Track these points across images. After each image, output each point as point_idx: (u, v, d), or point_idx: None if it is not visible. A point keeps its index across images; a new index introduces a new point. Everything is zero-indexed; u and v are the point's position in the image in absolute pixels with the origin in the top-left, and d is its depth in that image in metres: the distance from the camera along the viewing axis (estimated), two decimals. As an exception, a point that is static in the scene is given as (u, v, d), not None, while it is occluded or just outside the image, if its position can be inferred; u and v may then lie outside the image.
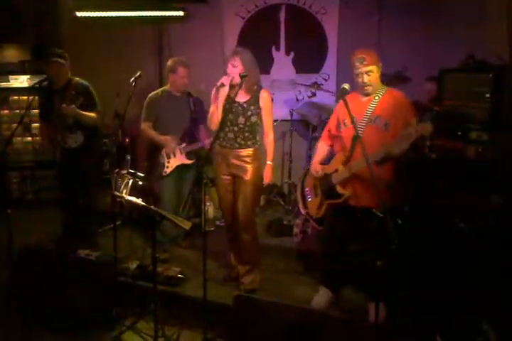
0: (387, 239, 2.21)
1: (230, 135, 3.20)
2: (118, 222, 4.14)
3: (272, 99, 3.29)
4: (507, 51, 3.24)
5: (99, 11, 5.04)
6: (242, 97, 3.14)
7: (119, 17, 5.09)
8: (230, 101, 3.16)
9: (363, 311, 2.93)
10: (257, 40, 5.14)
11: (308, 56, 5.16)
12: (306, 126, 5.05)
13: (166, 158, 3.89)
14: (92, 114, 3.79)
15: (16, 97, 5.30)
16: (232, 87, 3.13)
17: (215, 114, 3.17)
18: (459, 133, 3.15)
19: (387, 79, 4.09)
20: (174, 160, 3.89)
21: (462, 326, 2.61)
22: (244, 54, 3.11)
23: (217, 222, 4.56)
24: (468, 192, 2.99)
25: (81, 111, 3.70)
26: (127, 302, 3.13)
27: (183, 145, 3.88)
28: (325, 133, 3.17)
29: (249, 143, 3.20)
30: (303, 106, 4.96)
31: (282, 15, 5.13)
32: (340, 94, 2.70)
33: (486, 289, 2.66)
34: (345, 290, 3.21)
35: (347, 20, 4.99)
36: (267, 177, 3.24)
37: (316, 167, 3.07)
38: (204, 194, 2.70)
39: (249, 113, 3.16)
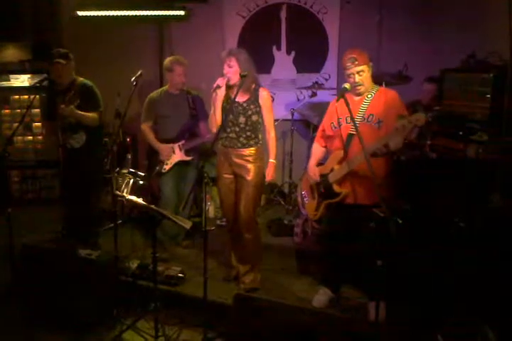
0: (387, 238, 2.21)
1: (232, 135, 3.20)
2: (119, 222, 4.14)
3: (273, 98, 3.29)
4: (508, 51, 3.24)
5: (99, 10, 5.04)
6: (241, 97, 3.13)
7: (120, 16, 5.09)
8: (229, 101, 3.16)
9: (363, 311, 2.93)
10: (258, 39, 5.15)
11: (309, 56, 5.16)
12: (306, 125, 5.05)
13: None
14: (91, 114, 3.78)
15: (17, 97, 5.30)
16: (229, 87, 3.13)
17: (214, 115, 3.17)
18: (460, 132, 3.15)
19: (387, 79, 4.13)
20: (173, 157, 3.90)
21: (462, 326, 2.61)
22: (240, 54, 3.11)
23: (218, 222, 4.57)
24: (468, 192, 2.99)
25: (79, 112, 3.68)
26: (128, 302, 3.12)
27: (182, 141, 3.88)
28: (319, 135, 3.15)
29: (251, 142, 3.20)
30: (304, 105, 4.95)
31: (283, 15, 5.13)
32: (341, 93, 2.70)
33: (485, 289, 2.66)
34: (346, 289, 3.21)
35: (348, 19, 4.99)
36: (269, 175, 3.25)
37: (312, 170, 3.06)
38: (205, 193, 2.70)
39: (249, 112, 3.16)
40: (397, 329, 2.74)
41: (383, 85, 4.01)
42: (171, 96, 3.88)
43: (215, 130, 3.22)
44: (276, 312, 2.45)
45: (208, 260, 2.73)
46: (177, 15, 5.12)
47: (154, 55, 5.34)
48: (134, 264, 3.48)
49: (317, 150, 3.16)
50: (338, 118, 2.89)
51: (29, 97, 5.14)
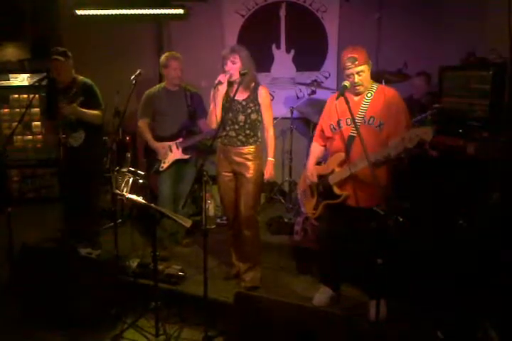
0: (388, 236, 2.21)
1: (232, 133, 3.20)
2: (119, 220, 4.15)
3: (273, 97, 3.28)
4: (507, 48, 3.23)
5: (98, 9, 5.03)
6: (240, 95, 3.13)
7: (119, 15, 5.08)
8: (229, 99, 3.16)
9: (363, 309, 2.93)
10: (257, 37, 5.14)
11: (309, 54, 5.15)
12: (306, 124, 5.05)
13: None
14: (94, 112, 3.78)
15: (16, 96, 5.31)
16: (230, 84, 3.13)
17: (214, 112, 3.17)
18: (460, 130, 3.15)
19: (387, 77, 4.13)
20: (171, 156, 3.87)
21: (463, 322, 2.61)
22: (242, 51, 3.11)
23: (218, 220, 4.57)
24: (468, 190, 2.98)
25: (82, 109, 3.69)
26: (128, 301, 3.13)
27: (180, 140, 3.86)
28: (317, 133, 3.11)
29: (250, 140, 3.20)
30: (303, 104, 4.94)
31: (282, 13, 5.13)
32: (341, 91, 2.67)
33: (486, 286, 2.66)
34: (346, 287, 3.21)
35: (347, 17, 4.99)
36: (268, 173, 3.25)
37: (310, 171, 3.03)
38: (204, 191, 2.70)
39: (248, 110, 3.16)
40: (398, 326, 2.74)
41: (383, 83, 4.01)
42: (169, 93, 3.86)
43: (214, 126, 3.22)
44: (277, 310, 2.45)
45: (209, 258, 2.73)
46: (176, 14, 5.10)
47: (153, 53, 5.34)
48: (134, 263, 3.48)
49: (316, 149, 3.13)
50: (338, 120, 2.84)
51: (28, 96, 5.14)
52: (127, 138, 5.00)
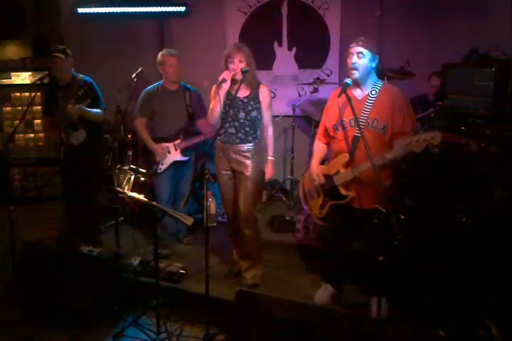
0: (389, 234, 2.20)
1: (231, 130, 3.19)
2: (120, 218, 4.15)
3: (274, 95, 3.27)
4: (510, 45, 3.21)
5: (100, 7, 5.03)
6: (242, 92, 3.13)
7: (120, 13, 5.08)
8: (230, 97, 3.16)
9: (365, 306, 2.93)
10: (259, 35, 5.13)
11: (311, 51, 5.14)
12: (308, 121, 5.04)
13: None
14: (97, 111, 3.77)
15: (18, 94, 5.31)
16: (233, 82, 3.12)
17: (215, 108, 3.16)
18: (462, 127, 3.13)
19: (390, 74, 4.11)
20: (169, 157, 3.81)
21: (465, 320, 2.60)
22: (246, 49, 3.11)
23: (219, 218, 4.56)
24: (470, 187, 2.97)
25: (88, 110, 3.68)
26: (130, 298, 3.13)
27: (178, 141, 3.80)
28: (320, 131, 3.07)
29: (249, 138, 3.20)
30: (305, 102, 4.93)
31: (284, 11, 5.11)
32: (343, 88, 2.64)
33: (488, 283, 2.65)
34: (347, 285, 3.20)
35: (349, 15, 4.97)
36: (269, 173, 3.25)
37: (315, 172, 2.99)
38: (206, 189, 2.69)
39: (249, 108, 3.16)
40: (399, 325, 2.73)
41: (385, 81, 3.99)
42: (168, 93, 3.80)
43: (213, 122, 3.23)
44: (278, 308, 2.45)
45: (210, 256, 2.74)
46: (178, 12, 5.10)
47: (155, 51, 5.22)
48: (135, 261, 3.48)
49: (319, 148, 3.09)
50: (342, 121, 2.80)
51: (30, 94, 5.13)
52: (129, 136, 4.99)
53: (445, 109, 3.46)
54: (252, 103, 3.16)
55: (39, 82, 3.69)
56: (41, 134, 5.34)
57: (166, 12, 5.11)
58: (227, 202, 3.37)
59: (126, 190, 3.06)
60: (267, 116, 3.23)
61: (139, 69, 3.32)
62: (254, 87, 3.17)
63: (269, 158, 3.26)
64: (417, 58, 4.43)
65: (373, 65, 2.70)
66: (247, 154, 3.20)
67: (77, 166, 3.85)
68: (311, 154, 3.66)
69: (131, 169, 3.34)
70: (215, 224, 4.42)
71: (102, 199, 4.19)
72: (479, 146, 2.96)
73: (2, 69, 5.28)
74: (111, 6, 5.03)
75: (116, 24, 5.22)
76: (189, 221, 2.66)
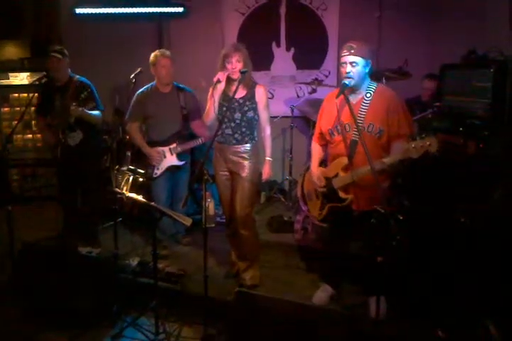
0: (387, 234, 2.21)
1: (228, 131, 3.19)
2: (119, 219, 4.14)
3: (272, 95, 3.28)
4: (508, 46, 3.22)
5: (98, 7, 5.03)
6: (238, 93, 3.11)
7: (119, 13, 5.07)
8: (226, 97, 3.16)
9: (363, 307, 2.93)
10: (257, 36, 5.13)
11: (309, 52, 5.14)
12: (306, 122, 5.04)
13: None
14: (96, 113, 3.77)
15: (16, 95, 5.31)
16: (229, 82, 3.12)
17: (211, 109, 3.16)
18: (460, 128, 3.14)
19: (388, 75, 4.11)
20: (164, 162, 3.74)
21: (463, 320, 2.61)
22: (244, 49, 3.11)
23: (218, 219, 4.56)
24: (469, 188, 2.97)
25: (89, 113, 3.67)
26: (128, 299, 3.13)
27: (174, 145, 3.73)
28: (316, 133, 3.07)
29: (246, 138, 3.20)
30: (303, 102, 4.93)
31: (282, 11, 5.12)
32: (341, 90, 2.63)
33: (487, 283, 2.65)
34: (346, 286, 3.21)
35: (347, 15, 4.98)
36: (266, 173, 3.25)
37: (316, 175, 2.98)
38: (204, 190, 2.69)
39: (245, 108, 3.16)
40: (397, 325, 2.74)
41: (383, 81, 4.00)
42: (161, 96, 3.69)
43: (208, 122, 3.23)
44: (277, 308, 2.45)
45: (208, 257, 2.74)
46: (176, 13, 5.10)
47: (153, 52, 5.32)
48: (134, 261, 3.48)
49: (317, 150, 3.08)
50: (337, 126, 2.78)
51: (28, 95, 5.13)
52: (127, 136, 4.98)
53: (443, 110, 3.46)
54: (248, 103, 3.16)
55: (37, 83, 3.69)
56: (39, 135, 5.33)
57: (164, 13, 5.11)
58: (225, 203, 3.37)
59: (124, 191, 3.05)
60: (264, 117, 3.23)
61: (138, 70, 3.32)
62: (250, 87, 3.17)
63: (267, 158, 3.26)
64: (416, 59, 4.44)
65: (367, 69, 2.69)
66: (244, 155, 3.20)
67: (74, 167, 3.85)
68: (309, 155, 3.67)
69: (129, 170, 3.33)
70: (213, 225, 4.42)
71: (100, 199, 4.19)
72: (478, 147, 2.96)
73: (0, 69, 5.27)
74: (109, 7, 5.02)
75: (114, 25, 5.22)
76: (188, 221, 2.66)
